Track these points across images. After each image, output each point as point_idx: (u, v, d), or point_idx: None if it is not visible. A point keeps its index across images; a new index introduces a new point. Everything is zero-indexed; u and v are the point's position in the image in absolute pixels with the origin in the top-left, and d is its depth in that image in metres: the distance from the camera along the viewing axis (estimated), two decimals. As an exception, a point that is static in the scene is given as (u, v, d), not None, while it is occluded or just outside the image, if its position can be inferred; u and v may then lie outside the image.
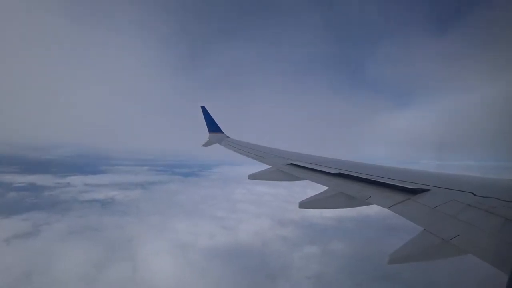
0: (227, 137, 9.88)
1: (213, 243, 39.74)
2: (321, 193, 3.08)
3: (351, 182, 3.20)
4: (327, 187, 3.20)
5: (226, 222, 47.64)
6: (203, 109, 10.58)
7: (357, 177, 3.27)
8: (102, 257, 34.02)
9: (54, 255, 33.76)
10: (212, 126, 10.24)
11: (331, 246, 39.71)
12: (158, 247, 36.90)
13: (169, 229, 43.72)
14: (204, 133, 10.39)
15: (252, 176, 4.47)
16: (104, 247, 36.72)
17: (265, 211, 52.95)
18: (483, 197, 2.20)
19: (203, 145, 10.15)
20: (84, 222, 45.63)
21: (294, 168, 4.41)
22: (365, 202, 2.68)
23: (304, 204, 2.96)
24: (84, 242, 37.75)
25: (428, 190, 2.56)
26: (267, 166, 4.72)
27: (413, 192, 2.54)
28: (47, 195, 63.49)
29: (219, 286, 31.07)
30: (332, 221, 48.30)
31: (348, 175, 3.43)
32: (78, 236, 40.22)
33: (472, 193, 2.32)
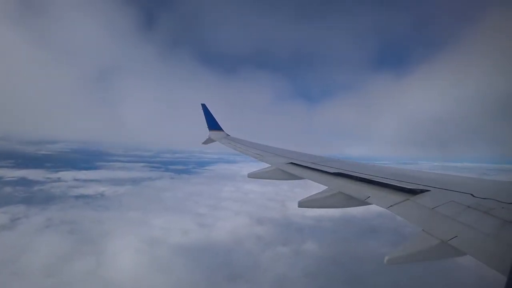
0: (228, 135, 9.87)
1: (184, 240, 39.55)
2: (321, 192, 3.08)
3: (351, 182, 3.20)
4: (327, 187, 3.20)
5: (205, 219, 47.33)
6: (204, 107, 10.56)
7: (357, 177, 3.27)
8: (70, 251, 34.18)
9: (23, 248, 34.05)
10: (212, 124, 10.22)
11: (304, 247, 39.21)
12: (128, 242, 36.87)
13: (145, 225, 43.65)
14: (204, 131, 10.39)
15: (252, 175, 4.48)
16: (75, 241, 36.89)
17: (247, 209, 52.57)
18: (482, 198, 2.20)
19: (203, 143, 10.14)
20: (63, 216, 45.66)
21: (294, 167, 4.41)
22: (364, 202, 2.68)
23: (303, 203, 2.96)
24: (57, 236, 38.00)
25: (427, 190, 2.56)
26: (267, 165, 4.72)
27: (412, 192, 2.54)
28: (36, 190, 63.21)
29: (174, 285, 30.70)
30: (313, 220, 47.79)
31: (347, 174, 3.43)
32: (53, 229, 40.40)
33: (471, 194, 2.33)
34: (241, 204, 56.40)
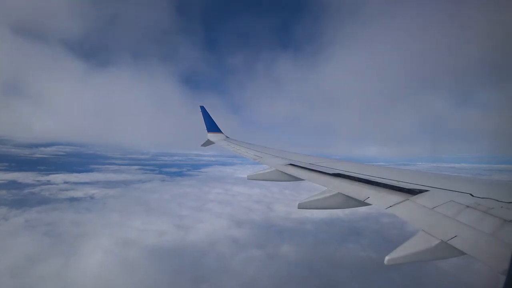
0: (227, 137, 9.88)
1: (157, 241, 39.16)
2: (320, 193, 3.08)
3: (350, 183, 3.21)
4: (326, 188, 3.20)
5: (184, 221, 46.98)
6: (202, 109, 10.59)
7: (356, 177, 3.28)
8: (41, 252, 34.09)
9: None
10: (211, 126, 10.24)
11: (280, 250, 38.24)
12: (101, 244, 36.65)
13: (122, 226, 43.53)
14: (203, 133, 10.40)
15: (251, 177, 4.47)
16: (49, 243, 36.78)
17: (230, 211, 52.14)
18: (481, 198, 2.21)
19: (202, 145, 10.16)
20: (43, 218, 45.63)
21: (293, 168, 4.41)
22: (363, 202, 2.68)
23: (303, 205, 2.96)
24: (31, 237, 37.96)
25: (426, 191, 2.57)
26: (266, 166, 4.73)
27: (412, 192, 2.55)
28: (24, 192, 63.25)
29: (134, 286, 30.22)
30: (296, 223, 47.25)
31: (347, 175, 3.43)
32: (29, 231, 40.29)
33: (470, 194, 2.33)
34: (226, 206, 56.02)
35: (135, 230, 42.30)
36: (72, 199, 60.03)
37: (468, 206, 2.09)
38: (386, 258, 1.76)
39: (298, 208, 2.97)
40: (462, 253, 1.62)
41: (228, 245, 39.34)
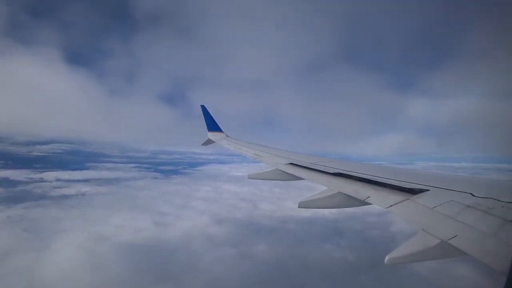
0: (227, 136, 9.89)
1: (132, 238, 38.81)
2: (320, 192, 3.08)
3: (351, 182, 3.20)
4: (326, 187, 3.20)
5: (165, 218, 46.86)
6: (203, 108, 10.59)
7: (356, 177, 3.28)
8: (14, 247, 34.10)
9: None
10: (212, 125, 10.25)
11: (255, 249, 37.35)
12: (75, 240, 36.50)
13: (102, 223, 43.49)
14: (203, 132, 10.40)
15: (251, 176, 4.47)
16: (25, 238, 36.89)
17: (214, 209, 51.98)
18: (482, 197, 2.20)
19: (202, 144, 10.17)
20: (26, 214, 45.84)
21: (294, 167, 4.41)
22: (364, 202, 2.68)
23: (303, 204, 2.96)
24: (9, 232, 38.22)
25: (427, 190, 2.57)
26: (264, 165, 4.73)
27: (412, 192, 2.55)
28: (16, 190, 63.45)
29: (96, 283, 29.61)
30: (279, 222, 46.50)
31: (347, 175, 3.43)
32: (9, 226, 40.54)
33: (471, 193, 2.33)
34: (211, 204, 55.90)
35: (113, 226, 42.18)
36: (62, 197, 60.21)
37: (468, 206, 2.09)
38: (386, 258, 1.75)
39: (298, 207, 2.97)
40: (462, 253, 1.61)
41: (202, 243, 38.81)
